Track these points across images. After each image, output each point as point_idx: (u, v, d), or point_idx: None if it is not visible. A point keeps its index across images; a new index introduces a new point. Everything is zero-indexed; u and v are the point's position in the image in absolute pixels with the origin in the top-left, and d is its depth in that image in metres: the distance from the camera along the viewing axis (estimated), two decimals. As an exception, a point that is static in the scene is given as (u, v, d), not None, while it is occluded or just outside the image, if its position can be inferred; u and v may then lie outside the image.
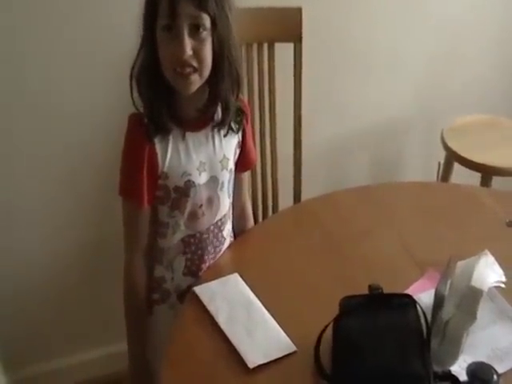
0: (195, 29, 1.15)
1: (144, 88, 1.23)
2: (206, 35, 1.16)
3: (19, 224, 1.84)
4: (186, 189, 1.29)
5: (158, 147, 1.25)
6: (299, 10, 1.75)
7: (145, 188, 1.26)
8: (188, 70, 1.17)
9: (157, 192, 1.29)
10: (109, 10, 1.64)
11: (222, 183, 1.36)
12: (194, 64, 1.17)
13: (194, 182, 1.29)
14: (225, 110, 1.28)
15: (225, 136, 1.33)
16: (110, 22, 1.65)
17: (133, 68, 1.22)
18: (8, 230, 1.82)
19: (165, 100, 1.23)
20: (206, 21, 1.15)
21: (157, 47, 1.18)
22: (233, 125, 1.33)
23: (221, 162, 1.34)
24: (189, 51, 1.15)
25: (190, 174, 1.29)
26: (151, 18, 1.16)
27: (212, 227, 1.39)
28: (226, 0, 1.18)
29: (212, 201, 1.36)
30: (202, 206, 1.34)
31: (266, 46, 1.79)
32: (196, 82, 1.20)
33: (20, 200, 1.80)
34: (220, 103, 1.28)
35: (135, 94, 1.24)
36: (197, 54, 1.16)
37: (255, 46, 1.78)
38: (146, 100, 1.23)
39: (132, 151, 1.26)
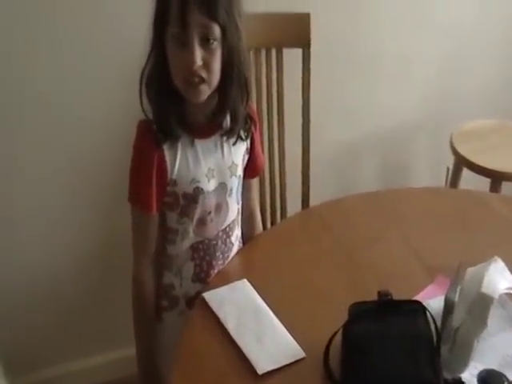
0: (205, 39, 1.15)
1: (153, 94, 1.23)
2: (216, 45, 1.16)
3: (23, 230, 1.84)
4: (194, 196, 1.29)
5: (167, 154, 1.25)
6: (307, 16, 1.75)
7: (153, 194, 1.26)
8: (197, 79, 1.17)
9: (165, 198, 1.29)
10: (118, 17, 1.65)
11: (231, 189, 1.36)
12: (204, 75, 1.17)
13: (202, 189, 1.29)
14: (233, 120, 1.29)
15: (233, 144, 1.33)
16: (119, 28, 1.66)
17: (142, 74, 1.22)
18: (12, 236, 1.83)
19: (174, 106, 1.23)
20: (216, 31, 1.15)
21: (166, 54, 1.18)
22: (241, 132, 1.33)
23: (229, 168, 1.34)
24: (199, 62, 1.15)
25: (198, 181, 1.29)
26: (161, 25, 1.16)
27: (220, 233, 1.39)
28: (235, 8, 1.17)
29: (221, 207, 1.36)
30: (210, 212, 1.34)
31: (274, 51, 1.80)
32: (205, 91, 1.20)
33: (25, 207, 1.81)
34: (229, 112, 1.28)
35: (144, 100, 1.24)
36: (206, 64, 1.16)
37: (263, 52, 1.79)
38: (155, 106, 1.23)
39: (141, 158, 1.26)
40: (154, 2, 1.17)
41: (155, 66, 1.21)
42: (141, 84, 1.23)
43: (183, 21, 1.12)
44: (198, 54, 1.14)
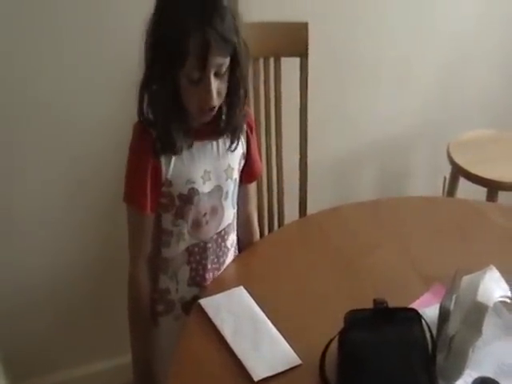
0: (219, 70, 1.17)
1: (160, 114, 1.24)
2: (226, 70, 1.19)
3: (24, 232, 1.84)
4: (189, 196, 1.30)
5: (163, 155, 1.26)
6: (305, 25, 1.76)
7: (148, 194, 1.27)
8: (213, 106, 1.21)
9: (161, 199, 1.30)
10: (120, 21, 1.66)
11: (227, 193, 1.37)
12: (218, 103, 1.21)
13: (197, 190, 1.30)
14: (230, 126, 1.31)
15: (229, 148, 1.34)
16: (121, 30, 1.66)
17: (142, 87, 1.22)
18: (12, 238, 1.83)
19: (178, 121, 1.24)
20: (228, 61, 1.18)
21: (177, 82, 1.19)
22: (240, 135, 1.35)
23: (225, 171, 1.35)
24: (215, 97, 1.18)
25: (193, 182, 1.30)
26: (176, 62, 1.15)
27: (215, 236, 1.40)
28: (240, 28, 1.19)
29: (216, 210, 1.36)
30: (205, 214, 1.35)
31: (272, 60, 1.81)
32: (215, 111, 1.24)
33: (25, 209, 1.81)
34: (226, 118, 1.29)
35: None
36: (220, 93, 1.20)
37: (262, 61, 1.80)
38: (159, 121, 1.24)
39: (136, 159, 1.27)
40: (159, 23, 1.16)
41: (161, 88, 1.21)
42: (141, 97, 1.23)
43: (203, 66, 1.14)
44: (215, 91, 1.18)
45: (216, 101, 1.19)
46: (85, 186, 1.84)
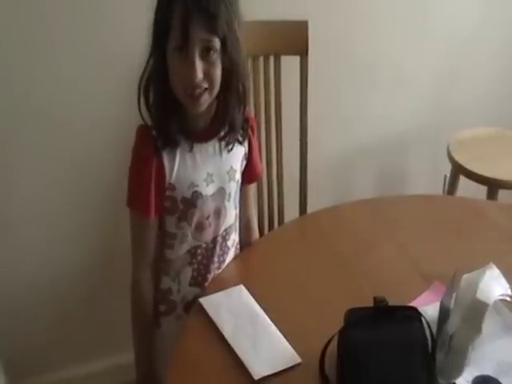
0: (206, 51, 1.16)
1: (152, 102, 1.24)
2: (217, 56, 1.18)
3: (23, 235, 1.84)
4: (193, 200, 1.30)
5: (166, 159, 1.26)
6: (305, 23, 1.76)
7: (152, 199, 1.27)
8: (199, 91, 1.19)
9: (164, 203, 1.30)
10: (118, 24, 1.66)
11: (229, 194, 1.37)
12: (205, 85, 1.19)
13: (201, 193, 1.30)
14: (231, 127, 1.30)
15: (231, 149, 1.34)
16: (119, 34, 1.67)
17: (141, 81, 1.23)
18: (12, 241, 1.83)
19: (173, 113, 1.24)
20: (217, 43, 1.16)
21: (167, 64, 1.19)
22: (238, 137, 1.35)
23: (228, 173, 1.35)
24: (200, 75, 1.17)
25: (197, 185, 1.30)
26: (162, 37, 1.17)
27: (218, 237, 1.39)
28: (235, 20, 1.19)
29: (219, 212, 1.36)
30: (209, 216, 1.35)
31: (272, 58, 1.80)
32: (206, 101, 1.22)
33: (25, 213, 1.81)
34: (227, 120, 1.29)
35: (143, 107, 1.25)
36: (207, 75, 1.18)
37: (261, 59, 1.79)
38: (155, 114, 1.25)
39: (140, 163, 1.27)
40: (154, 12, 1.18)
41: (155, 75, 1.22)
42: (139, 90, 1.24)
43: (185, 36, 1.13)
44: (199, 67, 1.16)
45: (200, 79, 1.17)
46: (85, 188, 1.84)
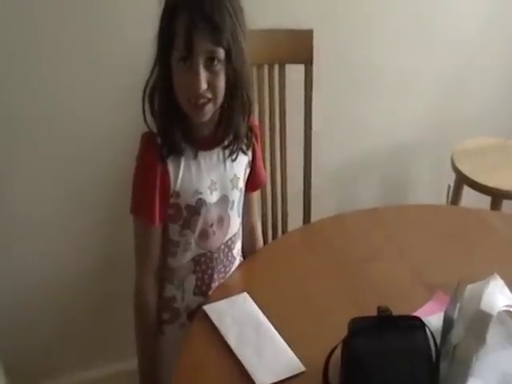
0: (210, 61, 1.17)
1: (157, 110, 1.24)
2: (221, 67, 1.18)
3: (24, 238, 1.84)
4: (197, 207, 1.30)
5: (171, 166, 1.26)
6: (310, 32, 1.76)
7: (156, 206, 1.27)
8: (202, 101, 1.19)
9: (168, 210, 1.30)
10: (123, 32, 1.67)
11: (233, 202, 1.37)
12: (209, 96, 1.19)
13: (205, 201, 1.30)
14: (235, 136, 1.30)
15: (235, 158, 1.34)
16: (122, 40, 1.68)
17: (145, 89, 1.24)
18: (13, 244, 1.83)
19: (178, 122, 1.24)
20: (221, 54, 1.17)
21: (171, 73, 1.19)
22: (242, 145, 1.35)
23: (231, 181, 1.35)
24: (204, 85, 1.17)
25: (201, 193, 1.30)
26: (167, 47, 1.17)
27: (222, 246, 1.39)
28: (240, 30, 1.19)
29: (223, 220, 1.36)
30: (212, 224, 1.34)
31: (276, 67, 1.81)
32: (209, 111, 1.22)
33: (25, 217, 1.82)
34: (231, 129, 1.29)
35: (148, 114, 1.25)
36: (211, 85, 1.18)
37: (266, 67, 1.80)
38: (160, 122, 1.25)
39: (144, 170, 1.27)
40: (159, 22, 1.18)
41: (159, 82, 1.22)
42: (144, 98, 1.24)
43: (190, 47, 1.14)
44: (203, 77, 1.16)
45: (204, 90, 1.17)
46: (88, 195, 1.84)
